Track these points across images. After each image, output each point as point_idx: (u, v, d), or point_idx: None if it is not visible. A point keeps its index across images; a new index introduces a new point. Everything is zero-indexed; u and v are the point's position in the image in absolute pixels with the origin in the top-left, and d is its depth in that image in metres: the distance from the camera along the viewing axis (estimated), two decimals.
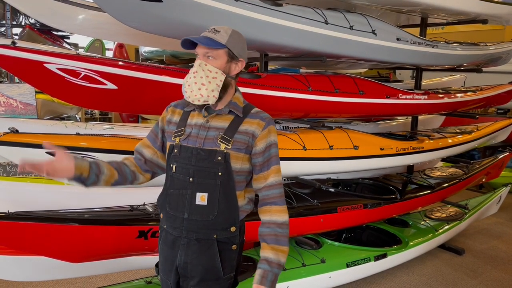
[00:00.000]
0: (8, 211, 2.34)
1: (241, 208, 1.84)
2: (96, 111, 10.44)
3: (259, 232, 1.80)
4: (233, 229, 1.82)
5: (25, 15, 6.68)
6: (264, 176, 1.82)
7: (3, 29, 6.54)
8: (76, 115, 7.59)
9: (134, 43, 5.34)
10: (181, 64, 8.21)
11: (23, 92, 4.82)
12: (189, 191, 1.77)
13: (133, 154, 2.01)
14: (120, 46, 9.46)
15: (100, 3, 2.46)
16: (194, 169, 1.76)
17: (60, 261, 2.64)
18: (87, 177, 1.79)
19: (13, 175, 3.98)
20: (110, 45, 11.17)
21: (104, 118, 9.80)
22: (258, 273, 1.73)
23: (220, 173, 1.76)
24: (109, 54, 9.68)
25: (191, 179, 1.77)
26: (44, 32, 6.57)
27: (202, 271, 1.79)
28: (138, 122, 8.76)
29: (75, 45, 8.20)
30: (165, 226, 1.86)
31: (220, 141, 1.76)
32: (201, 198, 1.76)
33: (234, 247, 1.85)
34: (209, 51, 1.74)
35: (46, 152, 2.04)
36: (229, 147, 1.76)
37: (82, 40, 9.60)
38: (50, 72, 2.31)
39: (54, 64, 2.31)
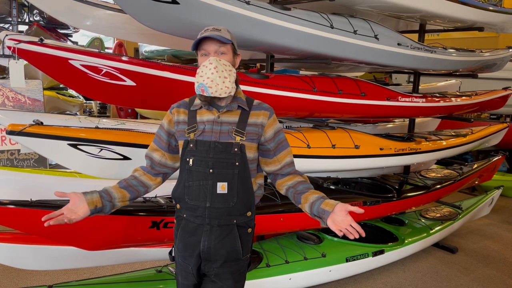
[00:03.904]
0: (30, 199, 2.46)
1: (255, 193, 2.03)
2: (94, 109, 10.60)
3: (295, 190, 2.01)
4: (249, 213, 2.00)
5: (29, 12, 6.80)
6: (278, 159, 2.02)
7: (8, 26, 6.64)
8: (77, 112, 7.72)
9: (146, 43, 5.51)
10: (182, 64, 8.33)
11: (31, 88, 4.94)
12: (210, 181, 1.91)
13: (146, 148, 2.15)
14: (120, 45, 9.59)
15: (120, 3, 2.60)
16: (213, 161, 1.90)
17: (73, 251, 2.77)
18: (102, 207, 1.94)
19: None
20: (109, 43, 11.30)
21: (101, 116, 9.91)
22: (329, 200, 1.87)
23: (237, 163, 1.91)
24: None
25: (211, 170, 1.90)
26: (50, 29, 6.70)
27: (225, 254, 1.95)
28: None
29: (75, 44, 8.32)
30: (185, 215, 1.99)
31: (235, 134, 1.92)
32: (222, 187, 1.91)
33: (249, 230, 2.03)
34: (221, 47, 1.88)
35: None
36: (244, 139, 1.92)
37: (82, 39, 9.73)
38: (74, 68, 2.45)
39: (78, 61, 2.44)
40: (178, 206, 2.02)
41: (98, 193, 1.95)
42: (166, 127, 2.06)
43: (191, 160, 1.92)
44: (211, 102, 1.92)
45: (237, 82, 1.96)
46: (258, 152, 2.02)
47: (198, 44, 1.90)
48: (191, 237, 1.97)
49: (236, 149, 1.90)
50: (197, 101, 1.98)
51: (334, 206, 1.82)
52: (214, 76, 1.83)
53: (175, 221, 2.09)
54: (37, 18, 6.81)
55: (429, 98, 4.47)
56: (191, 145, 1.93)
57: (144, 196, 3.00)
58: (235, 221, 1.96)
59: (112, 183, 3.23)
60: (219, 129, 1.92)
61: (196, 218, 1.95)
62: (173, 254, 2.12)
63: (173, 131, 2.04)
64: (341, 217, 1.78)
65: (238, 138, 1.91)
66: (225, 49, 1.89)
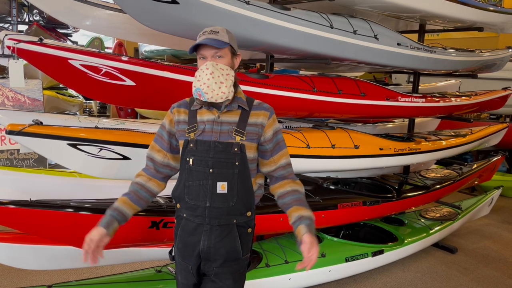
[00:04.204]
0: (30, 199, 2.46)
1: (255, 193, 2.02)
2: (94, 109, 10.60)
3: (283, 202, 2.01)
4: (249, 213, 2.00)
5: (29, 12, 6.80)
6: (274, 159, 2.02)
7: (8, 25, 6.64)
8: (77, 112, 7.72)
9: (146, 42, 5.53)
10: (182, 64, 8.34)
11: (31, 88, 4.93)
12: (210, 181, 1.91)
13: (146, 147, 2.15)
14: (120, 45, 9.59)
15: (120, 3, 2.60)
16: (213, 161, 1.90)
17: (72, 251, 2.77)
18: (118, 227, 2.00)
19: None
20: (109, 43, 11.30)
21: (101, 116, 9.90)
22: (302, 227, 1.90)
23: (237, 163, 1.91)
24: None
25: (211, 170, 1.90)
26: (50, 29, 6.70)
27: (224, 254, 1.95)
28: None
29: (75, 43, 8.31)
30: (185, 215, 1.99)
31: (235, 134, 1.92)
32: (222, 187, 1.91)
33: (249, 230, 2.03)
34: (218, 51, 1.88)
35: None
36: (244, 139, 1.92)
37: (81, 38, 9.73)
38: (74, 68, 2.45)
39: (77, 61, 2.44)
40: (178, 205, 2.02)
41: (115, 219, 1.97)
42: (167, 127, 2.05)
43: (191, 160, 1.93)
44: (210, 102, 1.93)
45: (236, 83, 1.96)
46: (257, 152, 2.02)
47: (195, 48, 1.90)
48: (191, 236, 1.97)
49: (236, 149, 1.91)
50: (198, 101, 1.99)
51: (302, 237, 1.88)
52: (210, 82, 1.84)
53: (175, 220, 2.09)
54: (37, 18, 6.81)
55: (429, 98, 4.47)
56: (191, 145, 1.93)
57: None
58: (235, 221, 1.96)
59: (112, 183, 3.26)
60: (219, 129, 1.92)
61: (196, 217, 1.95)
62: (173, 254, 2.13)
63: (174, 131, 2.04)
64: (308, 246, 1.86)
65: (238, 138, 1.91)
66: (222, 53, 1.89)
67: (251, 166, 1.98)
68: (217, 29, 1.90)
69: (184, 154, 1.96)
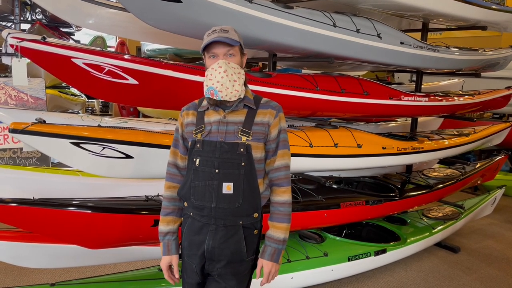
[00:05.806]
0: (33, 197, 2.46)
1: (262, 194, 2.00)
2: (96, 108, 10.62)
3: (270, 209, 2.04)
4: (255, 215, 1.98)
5: (31, 11, 6.81)
6: (273, 160, 2.00)
7: (10, 24, 6.65)
8: (79, 111, 7.73)
9: (149, 41, 5.53)
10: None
11: (33, 86, 4.95)
12: (216, 181, 1.90)
13: (151, 147, 2.15)
14: (122, 44, 9.60)
15: (123, 1, 2.59)
16: (219, 161, 1.90)
17: (75, 249, 2.78)
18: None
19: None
20: (111, 42, 11.31)
21: (104, 115, 9.91)
22: (265, 251, 1.99)
23: (243, 164, 1.90)
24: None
25: (216, 171, 1.89)
26: (52, 28, 6.70)
27: (229, 255, 1.94)
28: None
29: (78, 42, 8.31)
30: (191, 214, 1.98)
31: (240, 134, 1.91)
32: (227, 188, 1.90)
33: (255, 231, 2.01)
34: (231, 49, 1.89)
35: None
36: (250, 139, 1.91)
37: (84, 37, 9.74)
38: (77, 66, 2.44)
39: (81, 59, 2.44)
40: (185, 204, 2.02)
41: (174, 240, 2.08)
42: (180, 131, 2.06)
43: (197, 160, 1.92)
44: (219, 103, 1.92)
45: (245, 83, 1.96)
46: (265, 151, 2.00)
47: (206, 46, 1.89)
48: (196, 235, 1.97)
49: (242, 149, 1.89)
50: (205, 102, 1.99)
51: (259, 259, 2.02)
52: (224, 80, 1.84)
53: (182, 218, 2.09)
54: (40, 17, 6.82)
55: (432, 97, 4.46)
56: (198, 145, 1.93)
57: (147, 194, 3.04)
58: (241, 222, 1.94)
59: (115, 182, 3.25)
60: (225, 129, 1.92)
61: (202, 217, 1.94)
62: (179, 252, 2.13)
63: (184, 133, 2.04)
64: (265, 271, 2.01)
65: (244, 138, 1.90)
66: (234, 51, 1.90)
67: (258, 166, 1.96)
68: (226, 28, 1.91)
69: (191, 155, 1.96)
